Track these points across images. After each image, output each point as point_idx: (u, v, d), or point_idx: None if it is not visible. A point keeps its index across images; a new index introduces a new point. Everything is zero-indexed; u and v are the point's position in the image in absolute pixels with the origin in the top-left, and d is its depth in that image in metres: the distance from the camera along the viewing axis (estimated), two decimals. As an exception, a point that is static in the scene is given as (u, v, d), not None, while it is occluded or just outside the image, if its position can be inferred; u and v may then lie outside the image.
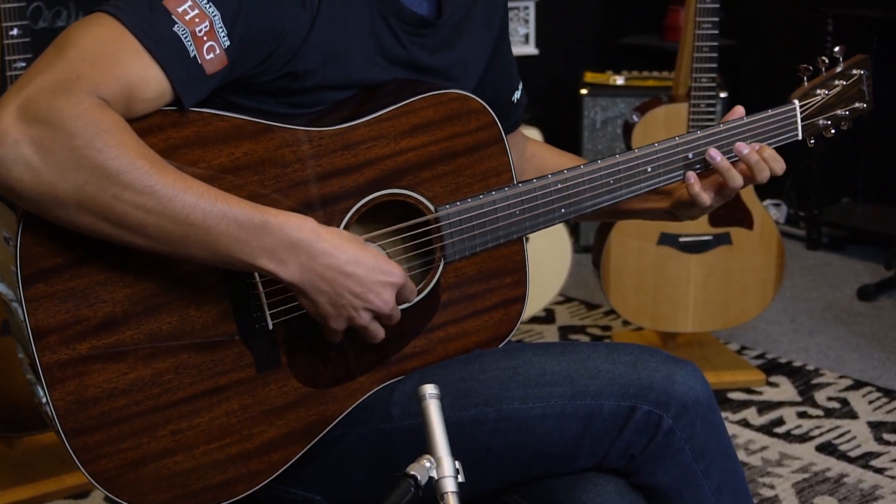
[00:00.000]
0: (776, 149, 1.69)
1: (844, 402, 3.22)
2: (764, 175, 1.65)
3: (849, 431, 3.05)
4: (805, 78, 1.75)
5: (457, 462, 1.27)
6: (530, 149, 1.83)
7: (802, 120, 1.73)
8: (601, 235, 3.32)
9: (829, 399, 3.24)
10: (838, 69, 1.76)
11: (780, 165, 1.66)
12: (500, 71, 1.73)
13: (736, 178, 1.63)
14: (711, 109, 3.06)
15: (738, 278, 3.28)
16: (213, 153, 1.39)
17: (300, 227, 1.36)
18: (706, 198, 1.64)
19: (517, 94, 1.78)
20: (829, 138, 1.77)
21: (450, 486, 1.25)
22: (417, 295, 1.53)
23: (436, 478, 1.25)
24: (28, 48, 2.59)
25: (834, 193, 4.54)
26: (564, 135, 4.37)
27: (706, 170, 1.66)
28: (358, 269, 1.38)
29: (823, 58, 1.75)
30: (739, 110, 1.69)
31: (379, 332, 1.46)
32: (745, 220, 3.25)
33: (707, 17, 3.01)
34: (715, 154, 1.63)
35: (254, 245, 1.33)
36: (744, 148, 1.64)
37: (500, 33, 1.71)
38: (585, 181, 1.59)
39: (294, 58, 1.43)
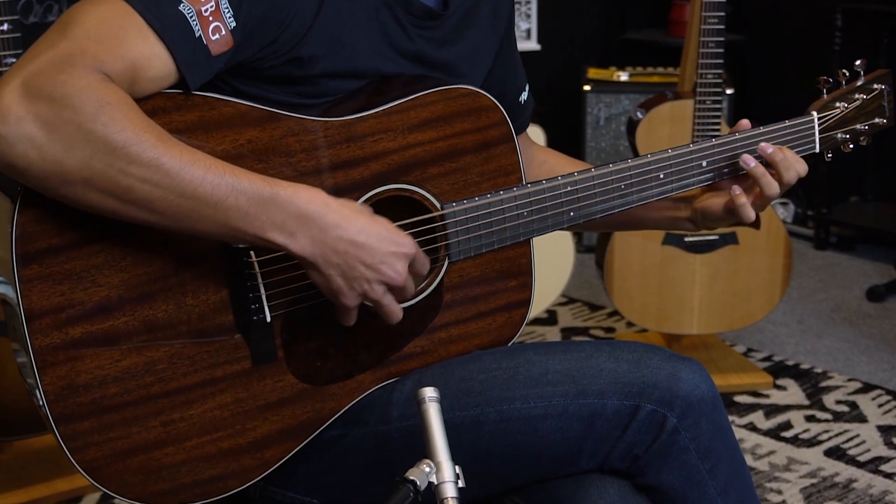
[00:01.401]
0: None
1: (853, 405, 3.23)
2: (791, 175, 1.64)
3: (858, 435, 3.06)
4: (824, 90, 1.75)
5: (457, 467, 1.27)
6: (540, 155, 1.83)
7: (820, 132, 1.73)
8: (604, 235, 3.32)
9: (838, 402, 3.25)
10: (859, 83, 1.76)
11: (803, 166, 1.65)
12: (507, 70, 1.73)
13: (772, 185, 1.62)
14: (717, 106, 3.07)
15: (744, 279, 3.28)
16: (217, 139, 1.40)
17: (310, 199, 1.36)
18: (752, 212, 1.63)
19: (524, 95, 1.78)
20: (847, 152, 1.78)
21: (450, 491, 1.25)
22: (420, 294, 1.54)
23: (435, 483, 1.25)
24: (19, 43, 2.59)
25: (842, 192, 4.54)
26: (567, 132, 4.38)
27: (723, 179, 1.66)
28: (369, 239, 1.38)
29: (844, 70, 1.76)
30: (745, 123, 1.68)
31: (395, 309, 1.45)
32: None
33: (713, 12, 3.02)
34: (749, 160, 1.62)
35: (263, 218, 1.34)
36: (768, 147, 1.63)
37: (505, 31, 1.71)
38: (596, 184, 1.59)
39: (299, 43, 1.43)
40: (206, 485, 1.46)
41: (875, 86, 1.76)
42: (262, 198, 1.33)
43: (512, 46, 1.75)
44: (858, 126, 1.76)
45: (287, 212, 1.34)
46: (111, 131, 1.27)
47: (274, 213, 1.34)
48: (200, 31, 1.35)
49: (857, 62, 1.77)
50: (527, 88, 1.79)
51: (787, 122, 1.70)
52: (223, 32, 1.37)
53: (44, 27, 3.36)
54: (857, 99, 1.75)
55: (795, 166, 1.64)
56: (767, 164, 1.64)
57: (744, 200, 1.63)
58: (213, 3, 1.35)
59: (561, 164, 1.82)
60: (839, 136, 1.75)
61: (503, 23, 1.70)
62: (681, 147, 1.64)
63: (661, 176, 1.63)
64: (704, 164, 1.65)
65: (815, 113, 1.73)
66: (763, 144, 1.64)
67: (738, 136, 1.66)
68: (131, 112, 1.29)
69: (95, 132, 1.26)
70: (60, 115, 1.26)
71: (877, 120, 1.77)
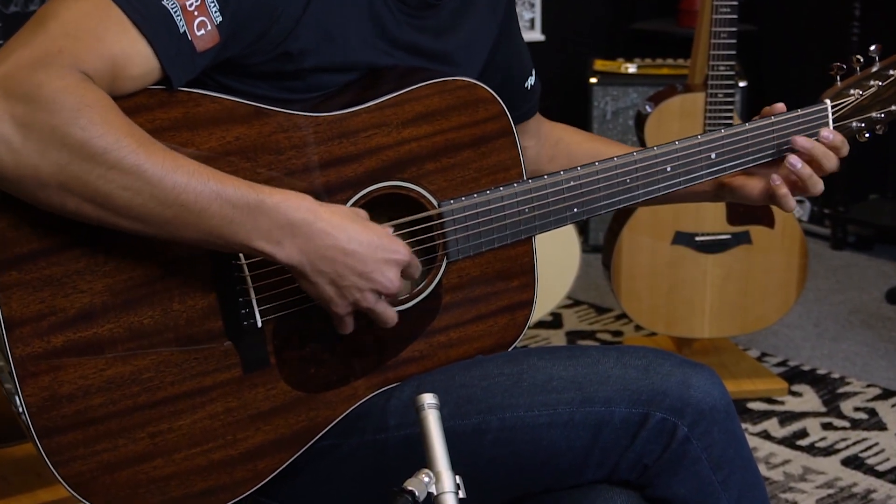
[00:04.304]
0: None
1: (872, 412, 3.23)
2: (832, 164, 1.67)
3: (877, 444, 3.06)
4: (838, 77, 1.75)
5: (457, 476, 1.27)
6: (555, 133, 1.84)
7: (834, 121, 1.73)
8: (612, 234, 3.32)
9: (856, 409, 3.25)
10: (874, 69, 1.76)
11: (844, 149, 1.69)
12: (511, 55, 1.74)
13: (818, 185, 1.66)
14: (730, 99, 3.07)
15: (758, 280, 3.28)
16: (203, 136, 1.39)
17: (297, 206, 1.36)
18: (792, 202, 1.67)
19: (531, 81, 1.79)
20: (863, 142, 1.77)
21: (450, 502, 1.25)
22: (418, 296, 1.54)
23: (435, 494, 1.25)
24: (-1, 33, 2.60)
25: (861, 190, 4.54)
26: (573, 126, 4.38)
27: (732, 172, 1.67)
28: (360, 247, 1.38)
29: (858, 56, 1.75)
30: (780, 107, 1.69)
31: (389, 313, 1.46)
32: (766, 218, 3.25)
33: (725, 1, 3.02)
34: (795, 161, 1.65)
35: (249, 226, 1.34)
36: (804, 142, 1.65)
37: (505, 16, 1.71)
38: (600, 179, 1.60)
39: (289, 37, 1.43)
40: (197, 498, 1.45)
41: (891, 72, 1.76)
42: (247, 205, 1.33)
43: (515, 32, 1.75)
44: (874, 114, 1.76)
45: (273, 220, 1.34)
46: (90, 135, 1.27)
47: (260, 220, 1.34)
48: (185, 27, 1.35)
49: (872, 47, 1.76)
50: (533, 73, 1.79)
51: (800, 111, 1.70)
52: (209, 28, 1.36)
53: (25, 17, 3.36)
54: (873, 86, 1.75)
55: (836, 154, 1.67)
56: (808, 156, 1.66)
57: (785, 191, 1.66)
58: None
59: (577, 141, 1.82)
60: (854, 124, 1.75)
61: (502, 9, 1.70)
62: (688, 139, 1.64)
63: (668, 169, 1.63)
64: (713, 156, 1.65)
65: (828, 101, 1.73)
66: (796, 139, 1.66)
67: (748, 126, 1.66)
68: (111, 115, 1.28)
69: (73, 136, 1.26)
70: (36, 117, 1.25)
71: (893, 107, 1.77)
